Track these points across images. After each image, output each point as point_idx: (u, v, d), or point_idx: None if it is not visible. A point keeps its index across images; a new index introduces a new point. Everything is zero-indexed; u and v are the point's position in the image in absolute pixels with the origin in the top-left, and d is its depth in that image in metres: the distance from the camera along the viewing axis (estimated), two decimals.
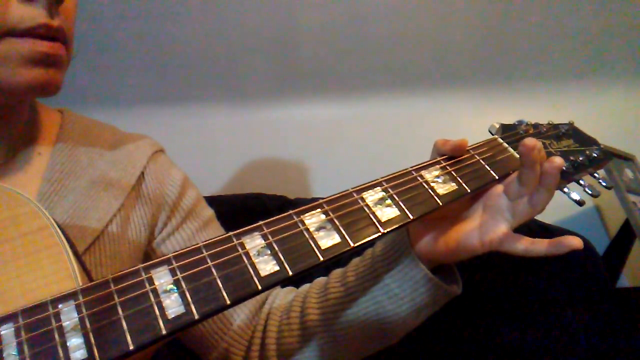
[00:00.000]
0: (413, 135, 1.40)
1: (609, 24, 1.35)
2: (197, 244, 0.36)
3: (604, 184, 0.53)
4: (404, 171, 0.46)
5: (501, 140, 0.51)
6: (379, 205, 0.42)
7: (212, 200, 0.67)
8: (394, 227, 0.41)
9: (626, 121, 1.42)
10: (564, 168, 0.49)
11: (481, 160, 0.48)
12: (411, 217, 0.42)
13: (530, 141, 0.42)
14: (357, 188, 0.43)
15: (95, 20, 1.24)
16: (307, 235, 0.38)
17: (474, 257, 0.47)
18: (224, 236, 0.37)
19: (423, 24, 1.34)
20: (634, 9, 1.33)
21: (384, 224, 0.41)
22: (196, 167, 0.83)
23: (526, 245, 0.44)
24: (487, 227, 0.45)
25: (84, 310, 0.32)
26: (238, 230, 0.38)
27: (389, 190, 0.43)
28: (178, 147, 0.80)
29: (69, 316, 0.32)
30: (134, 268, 0.34)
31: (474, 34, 1.37)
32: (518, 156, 0.47)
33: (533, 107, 1.39)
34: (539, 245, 0.43)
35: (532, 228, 1.03)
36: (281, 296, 0.60)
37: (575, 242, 0.42)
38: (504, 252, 0.45)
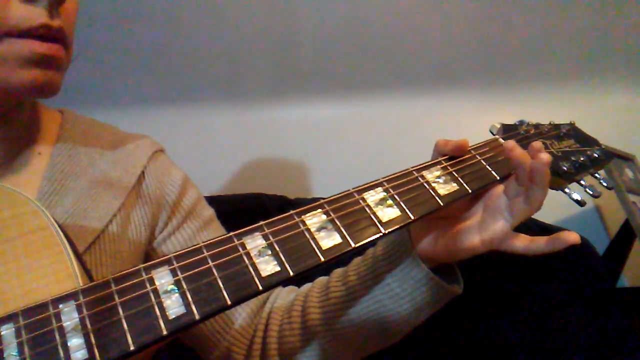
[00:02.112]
0: (414, 135, 1.40)
1: (609, 24, 1.35)
2: (198, 244, 0.36)
3: (604, 184, 0.53)
4: (405, 171, 0.45)
5: (502, 141, 0.51)
6: (380, 206, 0.42)
7: (212, 200, 0.67)
8: (395, 227, 0.41)
9: (626, 121, 1.42)
10: (565, 168, 0.49)
11: (482, 161, 0.48)
12: (412, 217, 0.42)
13: (508, 144, 0.44)
14: (358, 188, 0.43)
15: (95, 21, 1.24)
16: (308, 236, 0.38)
17: (474, 256, 0.47)
18: (224, 236, 0.37)
19: (423, 24, 1.34)
20: (634, 9, 1.33)
21: (385, 225, 0.41)
22: (196, 167, 0.83)
23: (525, 243, 0.44)
24: (487, 225, 0.46)
25: (84, 310, 0.32)
26: (239, 231, 0.38)
27: (390, 190, 0.43)
28: (178, 147, 0.80)
29: (70, 316, 0.31)
30: (134, 268, 0.34)
31: (474, 34, 1.37)
32: None
33: (534, 107, 1.39)
34: (537, 243, 0.44)
35: (533, 228, 1.03)
36: (282, 296, 0.60)
37: (573, 237, 0.42)
38: (504, 251, 0.46)
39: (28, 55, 0.42)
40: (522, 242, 0.44)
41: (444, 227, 0.49)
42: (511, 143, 0.44)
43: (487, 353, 0.97)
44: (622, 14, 1.33)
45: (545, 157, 0.42)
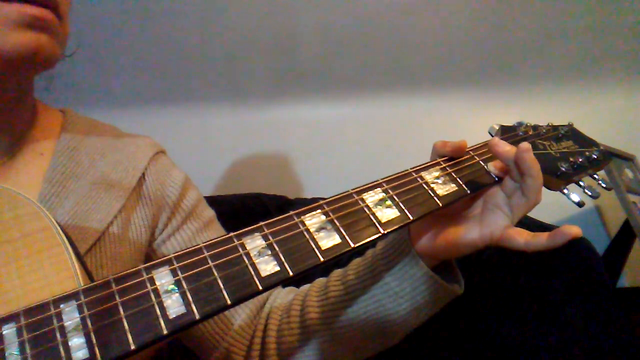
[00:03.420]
0: (413, 136, 1.40)
1: (609, 24, 1.35)
2: (198, 244, 0.36)
3: (603, 185, 0.53)
4: (404, 172, 0.46)
5: None
6: (379, 206, 0.42)
7: (212, 200, 0.67)
8: (394, 227, 0.41)
9: (626, 121, 1.43)
10: (563, 169, 0.49)
11: (481, 162, 0.48)
12: (411, 217, 0.42)
13: (492, 140, 0.46)
14: (358, 189, 0.43)
15: (95, 20, 1.24)
16: (307, 236, 0.38)
17: (473, 252, 0.47)
18: (224, 237, 0.37)
19: (423, 24, 1.34)
20: (634, 9, 1.33)
21: (384, 225, 0.41)
22: (196, 167, 0.83)
23: (526, 238, 0.44)
24: (486, 221, 0.46)
25: (85, 310, 0.32)
26: (239, 231, 0.38)
27: (389, 191, 0.43)
28: (178, 147, 0.80)
29: (71, 316, 0.32)
30: (135, 268, 0.34)
31: (473, 34, 1.37)
32: None
33: (534, 108, 1.39)
34: (539, 238, 0.43)
35: (533, 229, 1.03)
36: (282, 296, 0.60)
37: (574, 231, 0.41)
38: (504, 247, 0.46)
39: (17, 18, 0.42)
40: (523, 237, 0.44)
41: (443, 223, 0.49)
42: (495, 139, 0.46)
43: (487, 353, 0.97)
44: (622, 14, 1.33)
45: (524, 145, 0.43)
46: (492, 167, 0.48)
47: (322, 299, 0.54)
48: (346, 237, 0.39)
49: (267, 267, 0.36)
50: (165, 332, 0.32)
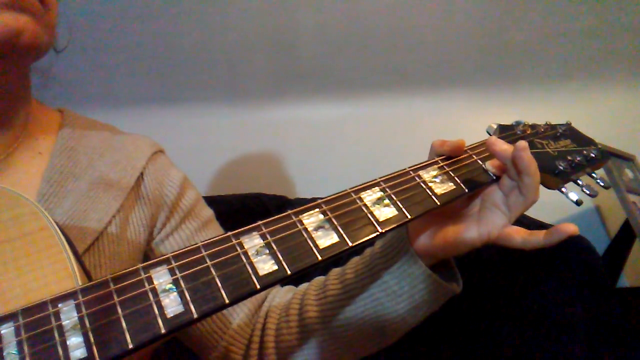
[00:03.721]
0: (412, 135, 1.40)
1: (609, 24, 1.35)
2: (196, 243, 0.36)
3: (601, 183, 0.53)
4: (402, 171, 0.46)
5: None
6: (377, 205, 0.42)
7: (211, 200, 0.67)
8: (392, 226, 0.41)
9: (626, 121, 1.42)
10: (561, 168, 0.49)
11: (479, 161, 0.48)
12: (409, 216, 0.42)
13: (490, 139, 0.47)
14: (356, 188, 0.43)
15: (95, 20, 1.24)
16: (305, 235, 0.39)
17: (471, 250, 0.47)
18: (222, 236, 0.37)
19: (423, 24, 1.34)
20: (634, 9, 1.33)
21: (382, 224, 0.41)
22: (196, 167, 0.83)
23: (524, 236, 0.44)
24: (485, 220, 0.46)
25: (83, 309, 0.32)
26: (237, 230, 0.38)
27: (387, 190, 0.43)
28: (178, 147, 0.80)
29: (69, 315, 0.32)
30: (133, 268, 0.34)
31: (473, 34, 1.37)
32: None
33: (533, 108, 1.39)
34: (536, 236, 0.43)
35: (532, 229, 1.03)
36: (280, 295, 0.60)
37: (571, 228, 0.41)
38: (502, 245, 0.46)
39: None
40: (521, 236, 0.44)
41: (441, 222, 0.49)
42: (493, 138, 0.46)
43: (487, 353, 0.97)
44: (621, 14, 1.33)
45: (521, 143, 0.43)
46: (490, 165, 0.48)
47: (321, 297, 0.54)
48: (344, 236, 0.39)
49: (265, 266, 0.36)
50: (163, 331, 0.32)
